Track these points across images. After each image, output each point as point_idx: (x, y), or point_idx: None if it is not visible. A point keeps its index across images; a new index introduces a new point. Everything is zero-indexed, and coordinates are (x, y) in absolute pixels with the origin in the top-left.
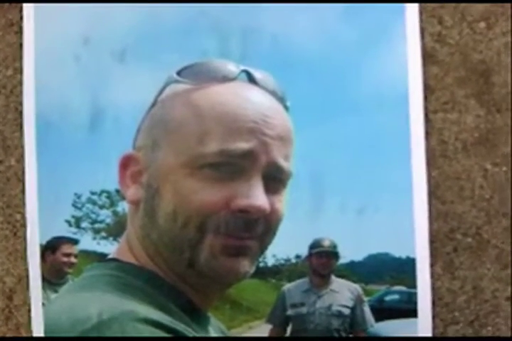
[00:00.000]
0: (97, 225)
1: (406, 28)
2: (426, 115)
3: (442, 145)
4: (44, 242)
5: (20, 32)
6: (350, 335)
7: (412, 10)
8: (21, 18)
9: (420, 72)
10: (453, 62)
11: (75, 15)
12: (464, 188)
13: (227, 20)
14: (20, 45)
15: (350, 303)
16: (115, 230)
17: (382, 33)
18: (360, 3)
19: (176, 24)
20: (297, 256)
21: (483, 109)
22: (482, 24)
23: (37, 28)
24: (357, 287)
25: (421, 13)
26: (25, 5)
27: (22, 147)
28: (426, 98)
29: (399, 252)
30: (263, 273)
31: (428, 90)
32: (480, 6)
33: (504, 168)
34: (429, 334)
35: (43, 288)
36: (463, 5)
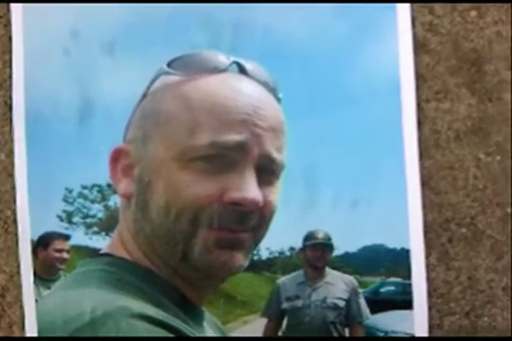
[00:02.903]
0: (88, 220)
1: (397, 17)
2: (418, 104)
3: (435, 135)
4: (35, 238)
5: (8, 24)
6: (346, 328)
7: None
8: (9, 10)
9: (412, 62)
10: (444, 51)
11: (63, 8)
12: (458, 178)
13: (218, 12)
14: (9, 39)
15: (346, 295)
16: (107, 225)
17: (373, 23)
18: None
19: (166, 16)
20: (291, 249)
21: (475, 98)
22: (473, 13)
23: (25, 21)
24: (352, 279)
25: (412, 2)
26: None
27: (11, 141)
28: (418, 87)
29: (393, 243)
30: (257, 267)
31: (420, 79)
32: None
33: (498, 158)
34: (425, 326)
35: (36, 284)
36: None
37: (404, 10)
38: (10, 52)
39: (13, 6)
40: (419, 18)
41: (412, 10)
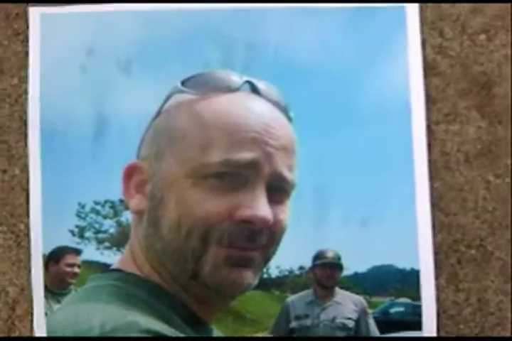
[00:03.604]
0: (100, 235)
1: (407, 40)
2: (428, 126)
3: (445, 157)
4: (47, 252)
5: (26, 41)
6: None
7: (413, 22)
8: (27, 27)
9: (422, 84)
10: (454, 74)
11: (80, 26)
12: (467, 200)
13: (231, 31)
14: (26, 54)
15: (355, 315)
16: (118, 240)
17: (384, 45)
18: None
19: (180, 35)
20: (301, 268)
21: (484, 121)
22: (482, 36)
23: (43, 38)
24: (361, 299)
25: (422, 25)
26: (31, 14)
27: (26, 156)
28: (428, 109)
29: (403, 264)
30: (267, 285)
31: (430, 102)
32: (480, 19)
33: (507, 180)
34: None
35: (46, 298)
36: (463, 17)
37: (414, 32)
38: (26, 68)
39: (32, 23)
40: (429, 40)
41: (422, 33)
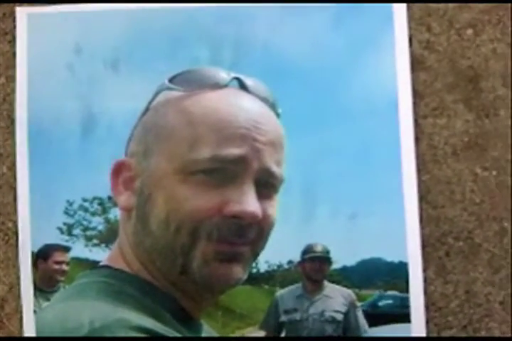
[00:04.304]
0: (89, 232)
1: (395, 35)
2: (415, 120)
3: (432, 150)
4: (36, 250)
5: (13, 41)
6: None
7: (401, 17)
8: (14, 27)
9: (409, 79)
10: (441, 69)
11: (67, 25)
12: (455, 192)
13: (219, 28)
14: (14, 54)
15: (344, 309)
16: (107, 237)
17: (372, 41)
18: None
19: (168, 32)
20: (290, 262)
21: (472, 114)
22: (469, 31)
23: (30, 37)
24: (350, 292)
25: (409, 20)
26: (18, 14)
27: (14, 155)
28: (415, 104)
29: (391, 257)
30: (256, 280)
31: (417, 96)
32: (467, 14)
33: (494, 172)
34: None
35: (35, 296)
36: (451, 12)
37: (401, 27)
38: (14, 67)
39: (19, 22)
40: (416, 35)
41: (410, 28)
